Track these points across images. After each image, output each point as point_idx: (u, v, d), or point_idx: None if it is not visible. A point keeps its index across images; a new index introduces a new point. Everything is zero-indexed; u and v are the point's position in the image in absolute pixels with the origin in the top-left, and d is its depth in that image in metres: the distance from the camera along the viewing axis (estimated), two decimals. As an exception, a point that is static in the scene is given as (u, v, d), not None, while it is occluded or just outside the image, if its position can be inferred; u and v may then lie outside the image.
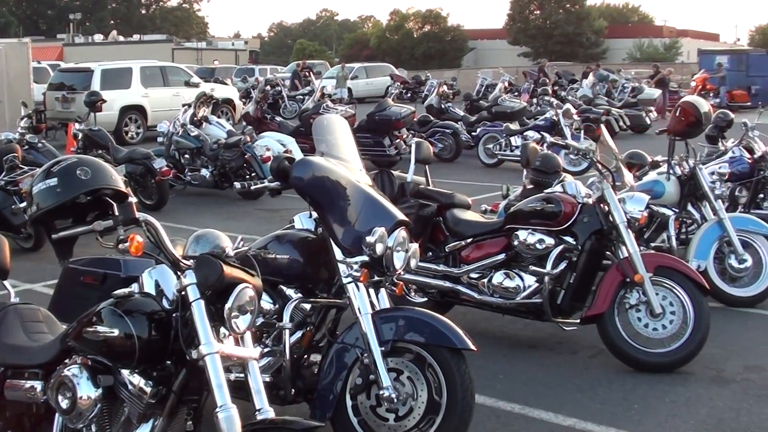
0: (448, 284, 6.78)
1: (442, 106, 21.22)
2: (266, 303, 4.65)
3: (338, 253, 4.54)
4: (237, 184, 6.68)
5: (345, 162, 4.88)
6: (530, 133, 16.18)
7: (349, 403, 4.57)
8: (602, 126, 8.09)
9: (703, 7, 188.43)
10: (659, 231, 8.13)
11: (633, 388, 5.90)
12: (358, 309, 4.47)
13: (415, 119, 18.20)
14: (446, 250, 6.86)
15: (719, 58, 37.27)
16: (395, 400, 4.41)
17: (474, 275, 6.69)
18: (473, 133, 19.00)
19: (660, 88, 31.01)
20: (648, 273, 6.10)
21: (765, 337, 7.07)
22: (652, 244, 8.04)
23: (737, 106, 30.21)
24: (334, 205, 4.57)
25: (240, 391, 3.54)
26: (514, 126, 17.85)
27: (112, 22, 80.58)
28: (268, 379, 4.50)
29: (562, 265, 6.33)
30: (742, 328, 7.31)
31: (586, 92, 26.73)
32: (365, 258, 4.41)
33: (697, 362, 6.21)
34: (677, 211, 8.16)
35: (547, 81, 30.60)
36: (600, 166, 6.51)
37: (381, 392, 4.41)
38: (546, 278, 6.30)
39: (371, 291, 4.61)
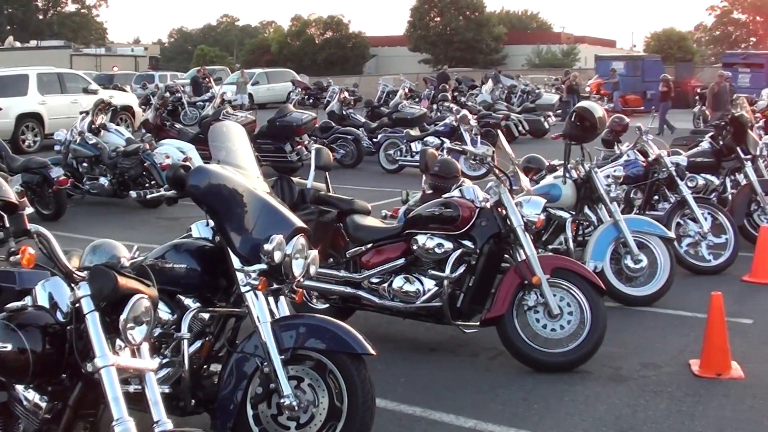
0: (349, 290, 6.79)
1: (344, 113, 21.27)
2: (164, 313, 4.57)
3: (236, 262, 4.50)
4: (133, 193, 6.58)
5: (242, 169, 4.86)
6: (430, 139, 16.36)
7: (250, 412, 4.54)
8: (499, 131, 8.19)
9: (601, 15, 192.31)
10: (557, 233, 8.27)
11: (533, 388, 5.99)
12: (257, 318, 4.45)
13: (316, 125, 18.21)
14: (347, 256, 6.87)
15: (615, 64, 38.12)
16: (296, 408, 4.39)
17: (374, 280, 6.70)
18: (374, 140, 19.12)
19: (570, 93, 31.57)
20: (545, 275, 6.22)
21: (661, 335, 7.24)
22: (550, 247, 8.19)
23: (631, 111, 31.02)
24: (231, 213, 4.54)
25: (139, 403, 3.49)
26: (415, 132, 18.02)
27: (8, 27, 78.37)
28: (167, 390, 4.43)
29: (461, 269, 6.40)
30: (639, 326, 7.48)
31: (485, 98, 27.09)
32: (263, 266, 4.39)
33: (595, 361, 6.34)
34: (574, 213, 8.32)
35: (447, 87, 30.89)
36: (497, 171, 6.60)
37: (282, 400, 4.39)
38: (445, 282, 6.36)
39: (270, 299, 4.59)
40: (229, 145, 5.03)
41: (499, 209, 6.39)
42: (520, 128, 23.65)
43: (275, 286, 4.56)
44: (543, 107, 27.73)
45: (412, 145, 17.35)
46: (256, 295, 4.47)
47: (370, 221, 7.05)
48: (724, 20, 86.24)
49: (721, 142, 10.66)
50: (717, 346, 6.21)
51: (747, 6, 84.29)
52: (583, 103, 8.44)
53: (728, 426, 5.38)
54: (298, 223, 4.63)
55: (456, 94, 31.06)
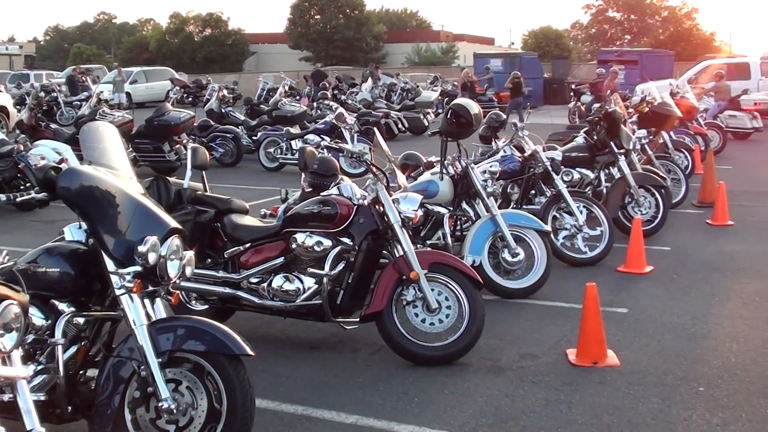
0: (228, 290, 6.73)
1: (223, 111, 21.06)
2: (37, 319, 4.44)
3: (110, 264, 4.41)
4: (2, 196, 6.39)
5: (115, 170, 4.76)
6: (311, 137, 16.06)
7: (128, 417, 4.45)
8: (375, 129, 8.23)
9: (479, 13, 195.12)
10: (435, 229, 8.36)
11: (413, 382, 6.03)
12: (133, 321, 4.36)
13: (195, 124, 18.01)
14: (225, 256, 6.80)
15: (493, 61, 38.77)
16: (175, 411, 4.34)
17: (254, 280, 6.66)
18: (254, 138, 19.00)
19: (464, 90, 31.94)
20: (423, 270, 6.28)
21: (538, 326, 7.38)
22: (429, 242, 8.27)
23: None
24: (103, 215, 4.44)
25: (13, 411, 3.40)
26: (295, 130, 17.98)
27: None
28: (43, 398, 4.32)
29: (340, 266, 6.42)
30: (517, 318, 7.61)
31: (365, 96, 27.20)
32: (138, 268, 4.31)
33: (474, 353, 6.44)
34: (451, 209, 8.43)
35: (327, 85, 30.92)
36: (374, 169, 6.62)
37: (160, 404, 4.32)
38: (325, 279, 6.37)
39: (146, 301, 4.51)
40: (101, 145, 4.92)
41: (377, 206, 6.42)
42: (400, 126, 23.85)
43: (150, 288, 4.48)
44: (422, 105, 28.00)
45: (293, 143, 17.30)
46: (131, 297, 4.38)
47: (248, 220, 6.99)
48: (599, 18, 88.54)
49: (595, 137, 10.94)
50: (593, 335, 6.37)
51: (621, 4, 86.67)
52: (458, 101, 8.54)
53: (605, 412, 5.51)
54: (173, 223, 4.57)
55: (336, 92, 31.14)
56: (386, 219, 6.36)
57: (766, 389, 5.92)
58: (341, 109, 17.71)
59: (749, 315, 7.72)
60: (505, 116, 11.17)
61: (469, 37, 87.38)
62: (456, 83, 34.28)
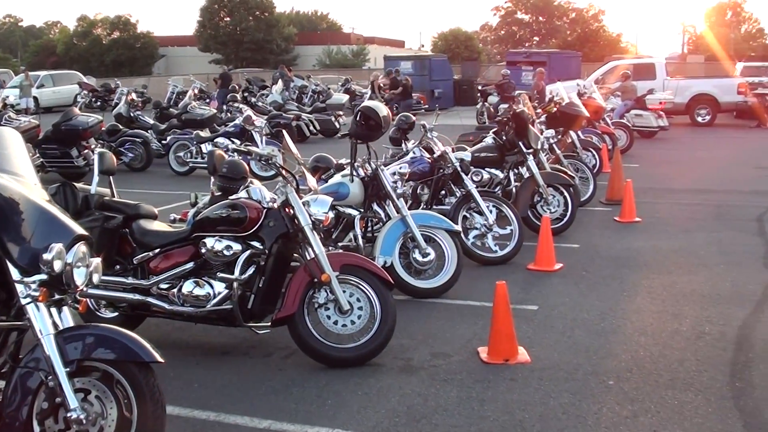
0: (138, 297, 6.63)
1: (132, 115, 20.77)
2: (-60, 331, 4.35)
3: (15, 273, 4.30)
4: None
5: (18, 177, 4.65)
6: (221, 140, 16.04)
7: (36, 429, 4.35)
8: (284, 132, 8.20)
9: (389, 15, 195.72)
10: (346, 231, 8.38)
11: (326, 385, 6.03)
12: (40, 330, 4.27)
13: (103, 128, 17.74)
14: (134, 262, 6.70)
15: (403, 63, 38.91)
16: (84, 422, 4.25)
17: (164, 286, 6.58)
18: (164, 142, 18.79)
19: (374, 92, 32.11)
20: (334, 272, 6.29)
21: (450, 325, 7.44)
22: (340, 244, 8.28)
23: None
24: (7, 223, 4.34)
25: None
26: (205, 133, 17.84)
27: None
28: (-52, 410, 4.22)
29: (251, 270, 6.38)
30: (429, 317, 7.66)
31: (276, 98, 27.10)
32: (43, 276, 4.22)
33: (387, 354, 6.47)
34: (362, 211, 8.45)
35: (237, 88, 30.71)
36: (284, 171, 6.60)
37: (69, 414, 4.23)
38: (235, 284, 6.32)
39: (53, 310, 4.42)
40: (4, 151, 4.81)
41: (287, 209, 6.40)
42: (311, 128, 23.81)
43: (57, 296, 4.39)
44: (333, 107, 28.00)
45: (203, 146, 17.16)
46: (37, 306, 4.28)
47: (157, 226, 6.91)
48: (508, 20, 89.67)
49: (504, 138, 11.07)
50: (503, 332, 6.44)
51: (530, 7, 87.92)
52: (367, 103, 8.56)
53: (516, 408, 5.59)
54: (79, 230, 4.48)
55: (246, 94, 30.95)
56: (296, 222, 6.35)
57: (673, 381, 6.07)
58: (249, 112, 17.61)
59: (656, 309, 7.89)
60: (414, 118, 11.23)
61: (379, 40, 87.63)
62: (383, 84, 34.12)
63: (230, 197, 6.78)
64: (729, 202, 13.98)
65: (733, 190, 15.32)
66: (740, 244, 10.75)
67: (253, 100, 29.37)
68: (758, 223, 12.14)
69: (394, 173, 8.55)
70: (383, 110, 8.34)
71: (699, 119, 30.03)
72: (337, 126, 24.51)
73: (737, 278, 8.97)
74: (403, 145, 10.99)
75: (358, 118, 8.27)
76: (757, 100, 29.48)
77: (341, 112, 26.46)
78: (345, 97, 31.70)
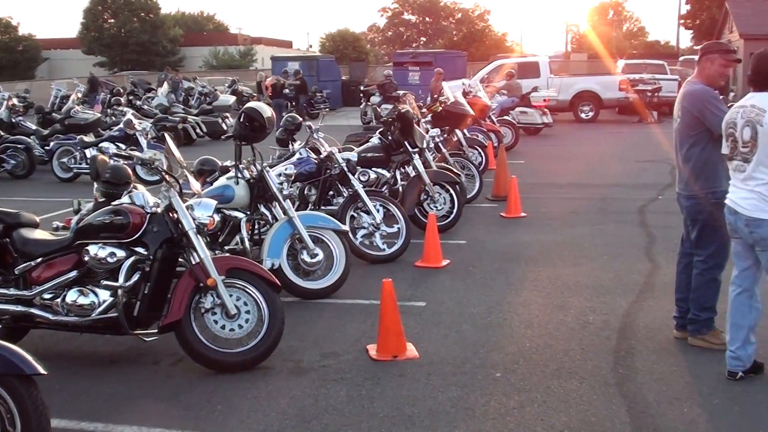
0: (20, 308, 6.42)
1: (13, 120, 20.15)
2: None
3: None
4: None
5: None
6: (105, 145, 15.79)
7: None
8: (166, 135, 8.08)
9: (277, 16, 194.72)
10: (233, 234, 8.29)
11: (215, 390, 5.98)
12: None
13: (-18, 135, 17.24)
14: (16, 272, 6.49)
15: (291, 64, 38.79)
16: (-37, 438, 4.14)
17: (47, 296, 6.40)
18: (47, 148, 18.31)
19: (261, 93, 32.03)
20: (220, 276, 6.23)
21: (339, 324, 7.46)
22: (227, 247, 8.19)
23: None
24: None
25: None
26: (89, 138, 17.50)
27: None
28: None
29: (136, 277, 6.27)
30: (318, 318, 7.67)
31: (161, 101, 26.74)
32: None
33: (277, 356, 6.45)
34: (249, 213, 8.38)
35: (122, 92, 30.22)
36: (167, 176, 6.50)
37: (-52, 432, 4.12)
38: (120, 291, 6.20)
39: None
40: None
41: (171, 213, 6.32)
42: (198, 130, 23.58)
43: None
44: (220, 109, 27.76)
45: (87, 151, 16.84)
46: None
47: (38, 234, 6.73)
48: (395, 21, 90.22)
49: (390, 137, 11.13)
50: (391, 330, 6.50)
51: (417, 7, 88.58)
52: (251, 104, 8.49)
53: (406, 404, 5.64)
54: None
55: (131, 97, 30.45)
56: (180, 226, 6.27)
57: (559, 370, 6.22)
58: (129, 115, 17.31)
59: (542, 301, 8.06)
60: (300, 119, 11.22)
61: (266, 41, 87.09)
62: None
63: (113, 203, 6.66)
64: (612, 196, 14.36)
65: (616, 184, 15.74)
66: (623, 235, 11.06)
67: (139, 103, 28.90)
68: (640, 215, 12.49)
69: (279, 174, 8.52)
70: (267, 111, 8.30)
71: (582, 116, 30.79)
72: (224, 128, 24.32)
73: (620, 269, 9.22)
74: (290, 146, 10.94)
75: (242, 120, 8.21)
76: (638, 97, 30.34)
77: (228, 114, 26.26)
78: (232, 99, 31.43)
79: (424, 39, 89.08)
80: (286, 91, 31.64)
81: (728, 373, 5.99)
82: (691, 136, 6.45)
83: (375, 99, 29.09)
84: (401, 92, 17.03)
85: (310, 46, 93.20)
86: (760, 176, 5.64)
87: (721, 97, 6.96)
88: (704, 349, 6.55)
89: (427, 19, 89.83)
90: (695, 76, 6.60)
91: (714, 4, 50.72)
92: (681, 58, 44.01)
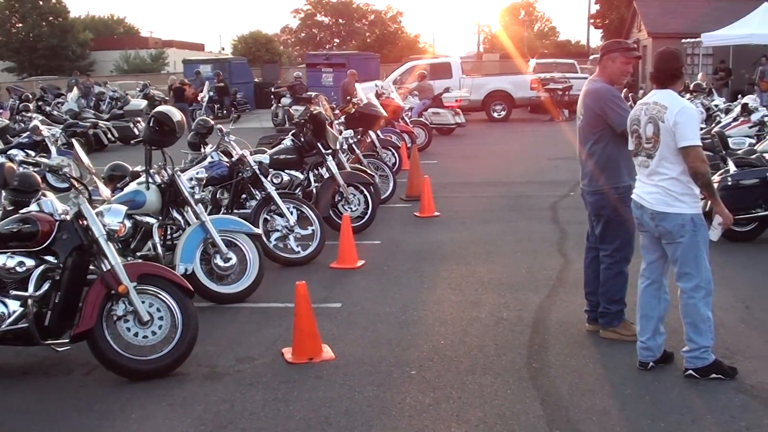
0: (-75, 323, 6.29)
1: None
2: None
3: None
4: None
5: None
6: (13, 152, 15.57)
7: None
8: (74, 141, 7.96)
9: (188, 19, 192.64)
10: (145, 240, 8.18)
11: (130, 398, 5.92)
12: None
13: None
14: None
15: (202, 67, 38.48)
16: None
17: (-46, 308, 6.27)
18: (-47, 156, 17.84)
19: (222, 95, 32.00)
20: (132, 282, 6.16)
21: (254, 328, 7.45)
22: (139, 254, 8.09)
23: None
24: None
25: None
26: (-3, 145, 17.10)
27: None
28: None
29: (46, 286, 6.17)
30: (233, 322, 7.64)
31: (71, 106, 26.30)
32: None
33: (191, 362, 6.41)
34: (161, 218, 8.29)
35: (31, 97, 29.64)
36: (75, 182, 6.41)
37: None
38: (30, 301, 6.09)
39: None
40: None
41: (80, 221, 6.23)
42: (109, 136, 23.26)
43: None
44: (131, 113, 27.38)
45: (-5, 159, 16.45)
46: None
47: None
48: (308, 23, 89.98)
49: (302, 139, 11.14)
50: (306, 332, 6.51)
51: (329, 9, 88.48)
52: (160, 108, 8.40)
53: (322, 405, 5.66)
54: None
55: (41, 103, 29.86)
56: (91, 233, 6.18)
57: (473, 366, 6.31)
58: (36, 121, 17.01)
59: (456, 299, 8.15)
60: (212, 122, 11.15)
61: (178, 43, 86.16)
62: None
63: (21, 211, 6.54)
64: (524, 193, 14.57)
65: (528, 182, 15.96)
66: (535, 232, 11.23)
67: (48, 108, 28.34)
68: (552, 212, 12.70)
69: (191, 179, 8.47)
70: (177, 115, 8.21)
71: (495, 115, 31.10)
72: (136, 132, 24.02)
73: (533, 265, 9.37)
74: (202, 149, 10.86)
75: (151, 124, 8.12)
76: (549, 95, 30.79)
77: (140, 119, 25.95)
78: (143, 103, 31.02)
79: (338, 40, 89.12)
80: (211, 93, 31.64)
81: (639, 363, 6.15)
82: (594, 133, 6.60)
83: (285, 101, 29.06)
84: (312, 94, 17.01)
85: (223, 49, 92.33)
86: (663, 171, 5.80)
87: (630, 94, 7.13)
88: (616, 341, 6.71)
89: (340, 20, 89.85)
90: (597, 75, 6.75)
91: (623, 4, 51.59)
92: (591, 57, 44.81)
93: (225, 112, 32.15)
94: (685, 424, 5.24)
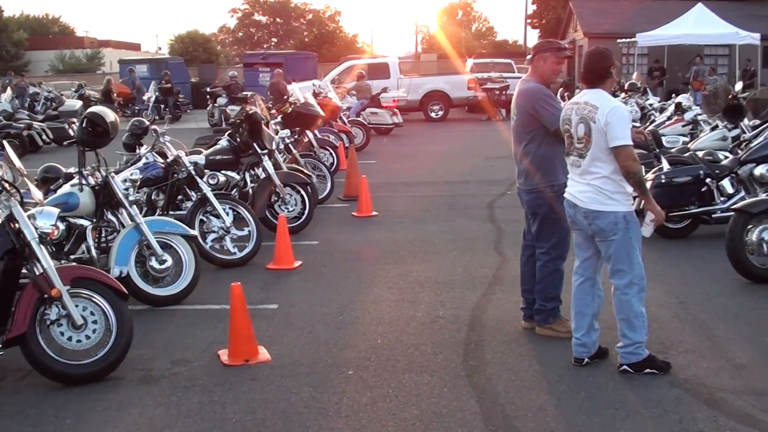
0: None
1: None
2: None
3: None
4: None
5: None
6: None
7: None
8: (5, 143, 7.85)
9: (124, 18, 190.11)
10: (79, 242, 8.08)
11: (64, 404, 5.84)
12: None
13: None
14: None
15: (139, 66, 38.14)
16: None
17: None
18: None
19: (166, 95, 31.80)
20: (65, 286, 6.07)
21: (190, 330, 7.39)
22: (73, 257, 7.98)
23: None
24: None
25: None
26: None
27: None
28: None
29: (-24, 291, 6.07)
30: (169, 325, 7.58)
31: (5, 107, 25.84)
32: None
33: (126, 365, 6.35)
34: (95, 220, 8.19)
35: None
36: (6, 185, 6.31)
37: None
38: (-41, 307, 6.00)
39: None
40: None
41: (12, 224, 6.13)
42: (44, 137, 22.93)
43: None
44: (66, 114, 27.00)
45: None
46: None
47: None
48: (246, 22, 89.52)
49: (238, 139, 11.09)
50: (242, 333, 6.48)
51: (267, 8, 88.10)
52: (93, 109, 8.30)
53: (259, 407, 5.65)
54: None
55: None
56: (22, 236, 6.08)
57: (410, 365, 6.34)
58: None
59: (393, 298, 8.18)
60: (148, 123, 11.04)
61: (114, 43, 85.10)
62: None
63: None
64: (461, 192, 14.67)
65: (465, 181, 16.08)
66: (472, 230, 11.31)
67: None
68: (489, 210, 12.80)
69: (125, 180, 8.39)
70: (110, 116, 8.12)
71: (433, 115, 31.26)
72: (71, 133, 23.70)
73: (470, 263, 9.44)
74: (137, 150, 10.74)
75: (84, 125, 8.02)
76: (486, 95, 31.03)
77: (75, 119, 25.60)
78: (78, 104, 30.55)
79: (275, 40, 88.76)
80: (157, 94, 31.52)
81: (574, 359, 6.23)
82: (528, 132, 6.68)
83: (221, 101, 28.93)
84: (249, 93, 16.92)
85: (160, 49, 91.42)
86: (595, 170, 5.88)
87: (566, 94, 7.22)
88: (551, 338, 6.80)
89: (278, 20, 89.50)
90: (529, 75, 6.83)
91: (559, 4, 52.19)
92: (528, 57, 45.05)
93: (170, 112, 31.93)
94: (619, 418, 5.32)
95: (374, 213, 12.63)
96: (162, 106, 32.46)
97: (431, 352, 6.61)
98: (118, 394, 5.98)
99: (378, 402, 5.68)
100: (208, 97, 31.85)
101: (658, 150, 11.42)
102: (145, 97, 32.07)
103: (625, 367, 6.01)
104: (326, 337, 7.07)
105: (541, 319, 6.93)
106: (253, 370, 6.32)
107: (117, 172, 8.78)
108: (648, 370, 5.98)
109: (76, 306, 6.15)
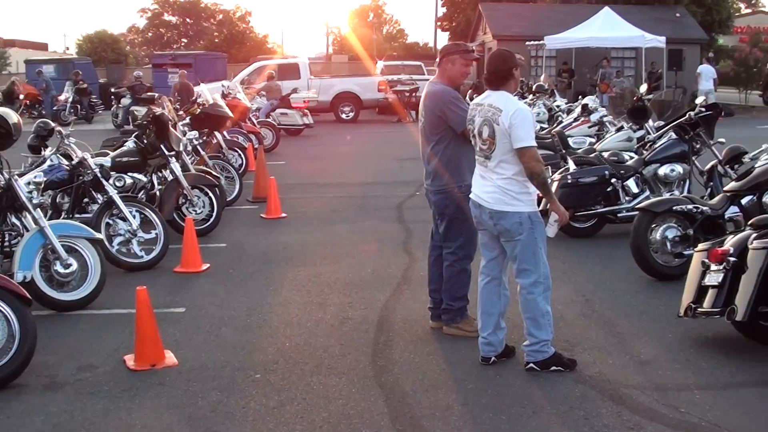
0: None
1: None
2: None
3: None
4: None
5: None
6: None
7: None
8: None
9: (31, 17, 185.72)
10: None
11: (-37, 413, 5.72)
12: None
13: None
14: None
15: (46, 67, 37.41)
16: None
17: None
18: None
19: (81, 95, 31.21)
20: (-36, 292, 5.95)
21: (96, 335, 7.27)
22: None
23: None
24: None
25: None
26: None
27: None
28: None
29: None
30: (74, 330, 7.45)
31: None
32: None
33: (30, 372, 6.21)
34: (3, 224, 8.04)
35: None
36: None
37: None
38: None
39: None
40: None
41: None
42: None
43: None
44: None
45: None
46: None
47: None
48: (156, 22, 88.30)
49: (145, 141, 10.95)
50: (148, 338, 6.41)
51: (177, 8, 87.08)
52: (-6, 110, 8.14)
53: (165, 412, 5.59)
54: None
55: None
56: None
57: (318, 367, 6.35)
58: None
59: (302, 300, 8.18)
60: (53, 124, 10.84)
61: (21, 43, 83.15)
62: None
63: None
64: (371, 193, 14.74)
65: (375, 182, 16.15)
66: (382, 231, 11.38)
67: None
68: (398, 211, 12.89)
69: (29, 183, 8.22)
70: (13, 117, 7.94)
71: (343, 116, 31.35)
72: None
73: (378, 264, 9.49)
74: (42, 152, 10.55)
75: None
76: (396, 97, 31.21)
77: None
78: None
79: (185, 40, 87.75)
80: (73, 95, 31.07)
81: (481, 358, 6.31)
82: (436, 134, 6.74)
83: (126, 101, 28.57)
84: (155, 94, 16.73)
85: (67, 48, 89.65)
86: (501, 171, 5.96)
87: (475, 95, 7.31)
88: (459, 337, 6.88)
89: (188, 20, 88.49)
90: (437, 77, 6.89)
91: (469, 7, 52.51)
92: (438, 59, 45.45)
93: (86, 113, 31.47)
94: (526, 415, 5.41)
95: (283, 214, 12.60)
96: (78, 107, 31.90)
97: (339, 354, 6.63)
98: (21, 402, 5.86)
99: (285, 405, 5.67)
100: (112, 97, 31.46)
101: (564, 151, 11.64)
102: (62, 98, 31.43)
103: (531, 365, 6.11)
104: (234, 340, 7.03)
105: (448, 318, 7.00)
106: (159, 375, 6.25)
107: (21, 175, 8.60)
108: (554, 368, 6.09)
109: (-23, 312, 6.01)
